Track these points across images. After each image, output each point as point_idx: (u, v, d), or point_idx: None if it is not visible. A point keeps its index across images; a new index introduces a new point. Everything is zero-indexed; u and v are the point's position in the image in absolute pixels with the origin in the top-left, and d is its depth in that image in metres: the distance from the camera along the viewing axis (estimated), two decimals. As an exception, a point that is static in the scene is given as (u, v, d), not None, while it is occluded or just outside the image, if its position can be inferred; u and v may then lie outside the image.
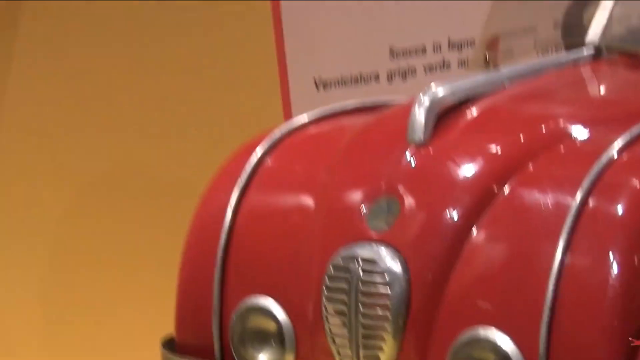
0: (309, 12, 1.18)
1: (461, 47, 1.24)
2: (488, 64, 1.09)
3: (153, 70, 1.23)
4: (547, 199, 0.80)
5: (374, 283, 0.76)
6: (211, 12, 1.19)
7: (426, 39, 1.22)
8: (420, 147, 0.82)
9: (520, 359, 0.74)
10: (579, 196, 0.75)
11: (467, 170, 0.83)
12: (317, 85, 1.17)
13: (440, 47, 1.22)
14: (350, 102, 0.99)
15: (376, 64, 1.20)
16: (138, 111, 1.25)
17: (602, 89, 1.07)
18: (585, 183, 0.76)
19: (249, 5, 1.19)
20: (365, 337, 0.77)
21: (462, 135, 0.84)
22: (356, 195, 0.83)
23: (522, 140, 0.86)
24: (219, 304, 0.86)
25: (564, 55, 1.03)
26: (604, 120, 0.88)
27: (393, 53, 1.21)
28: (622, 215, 0.76)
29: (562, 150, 0.85)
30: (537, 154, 0.84)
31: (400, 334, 0.77)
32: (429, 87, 0.84)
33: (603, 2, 1.05)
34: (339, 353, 0.78)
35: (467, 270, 0.79)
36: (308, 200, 0.88)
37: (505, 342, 0.74)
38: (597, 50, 1.02)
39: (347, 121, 0.98)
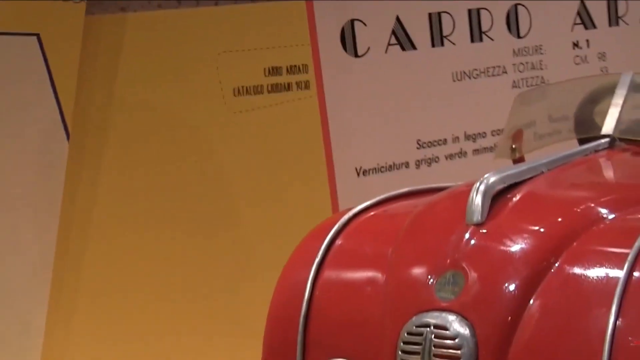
0: (350, 111, 1.26)
1: (475, 138, 1.36)
2: (514, 151, 1.18)
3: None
4: (596, 272, 0.86)
5: (446, 347, 0.83)
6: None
7: (446, 133, 1.34)
8: (478, 227, 0.89)
9: None
10: (626, 267, 0.82)
11: (522, 247, 0.90)
12: (357, 173, 1.27)
13: (458, 139, 1.34)
14: (404, 189, 1.09)
15: (406, 154, 1.30)
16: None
17: (621, 175, 1.14)
18: (631, 256, 0.83)
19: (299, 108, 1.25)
20: None
21: (513, 217, 0.91)
22: (423, 270, 0.89)
23: (566, 221, 0.93)
24: None
25: (586, 146, 1.09)
26: (629, 202, 0.97)
27: (420, 144, 1.32)
28: None
29: (601, 229, 0.93)
30: (580, 232, 0.91)
31: None
32: (485, 176, 0.92)
33: (614, 100, 1.13)
34: None
35: (527, 335, 0.84)
36: (377, 274, 0.94)
37: None
38: (612, 140, 1.10)
39: (404, 204, 1.07)
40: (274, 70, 1.20)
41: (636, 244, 0.82)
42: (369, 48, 1.24)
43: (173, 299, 1.23)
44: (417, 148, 1.32)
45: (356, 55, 1.23)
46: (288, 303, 0.97)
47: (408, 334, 0.85)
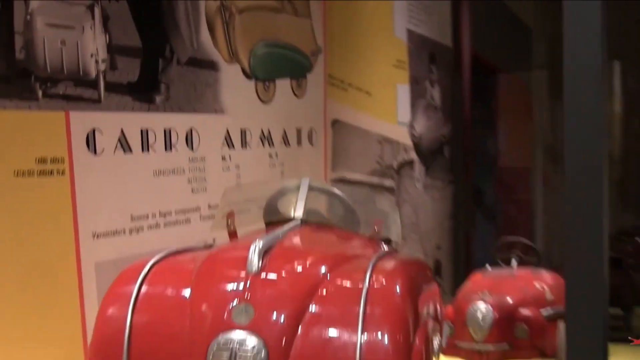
0: (90, 190, 1.46)
1: (165, 215, 1.65)
2: (229, 226, 1.38)
3: None
4: (341, 301, 1.07)
5: (246, 356, 1.00)
6: None
7: (148, 210, 1.61)
8: (256, 275, 1.07)
9: None
10: (362, 300, 1.04)
11: (289, 285, 1.09)
12: (93, 236, 1.48)
13: (155, 215, 1.63)
14: (175, 248, 1.27)
15: (123, 224, 1.55)
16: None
17: (320, 242, 1.32)
18: (363, 293, 1.05)
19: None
20: None
21: (277, 266, 1.10)
22: (220, 304, 1.05)
23: (312, 269, 1.13)
24: None
25: (292, 224, 1.28)
26: (343, 258, 1.18)
27: (132, 217, 1.58)
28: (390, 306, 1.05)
29: (358, 267, 1.14)
30: (325, 273, 1.12)
31: None
32: (256, 242, 1.11)
33: (300, 195, 1.35)
34: None
35: (300, 343, 1.02)
36: (181, 309, 1.07)
37: None
38: (302, 221, 1.32)
39: (182, 257, 1.23)
40: (42, 160, 1.36)
41: (365, 283, 1.06)
42: (103, 149, 1.49)
43: None
44: (130, 220, 1.58)
45: (95, 154, 1.47)
46: (110, 339, 1.06)
47: (217, 346, 1.00)
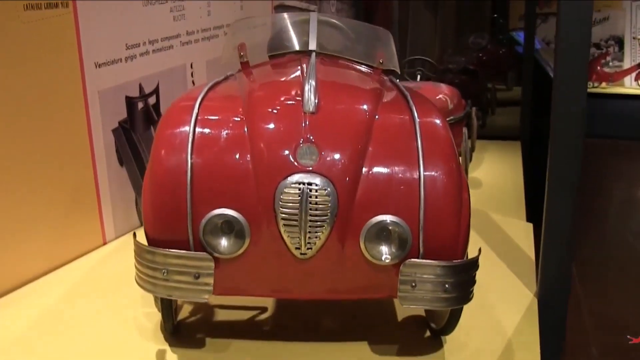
0: (95, 19, 1.51)
1: (153, 43, 1.72)
2: (242, 57, 1.32)
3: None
4: (400, 126, 1.10)
5: (318, 196, 1.00)
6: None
7: (139, 40, 1.68)
8: (313, 114, 1.07)
9: (407, 227, 1.01)
10: (418, 131, 1.08)
11: (348, 123, 1.09)
12: (95, 66, 1.54)
13: (145, 43, 1.69)
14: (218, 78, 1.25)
15: (119, 52, 1.62)
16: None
17: (346, 77, 1.34)
18: (414, 113, 1.10)
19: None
20: (311, 227, 1.00)
21: (330, 104, 1.10)
22: (283, 146, 1.04)
23: (365, 99, 1.15)
24: (191, 215, 1.02)
25: (313, 58, 1.23)
26: (378, 93, 1.21)
27: (127, 46, 1.64)
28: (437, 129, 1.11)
29: (385, 101, 1.17)
30: (376, 103, 1.14)
31: (332, 222, 1.01)
32: (307, 79, 1.10)
33: (311, 27, 1.34)
34: (289, 236, 1.01)
35: (366, 181, 1.03)
36: (241, 146, 1.04)
37: (395, 220, 1.02)
38: (317, 53, 1.29)
39: (226, 85, 1.22)
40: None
41: (415, 120, 1.10)
42: None
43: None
44: (125, 49, 1.64)
45: None
46: (172, 163, 1.03)
47: (287, 187, 1.00)
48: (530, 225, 1.82)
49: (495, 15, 3.45)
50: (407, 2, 3.43)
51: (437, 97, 2.06)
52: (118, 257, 1.59)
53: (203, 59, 1.97)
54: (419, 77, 2.45)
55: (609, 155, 2.60)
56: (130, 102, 1.69)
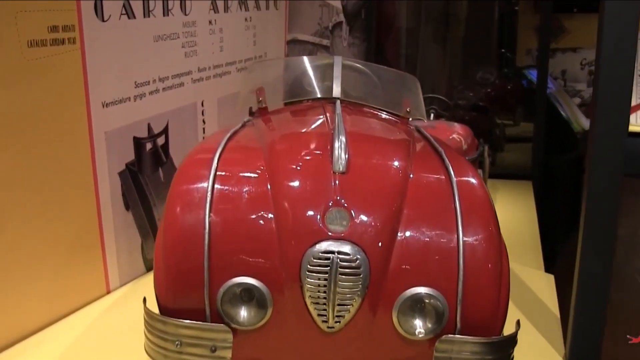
0: (101, 57, 1.44)
1: (163, 80, 1.65)
2: (260, 102, 1.30)
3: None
4: (436, 193, 1.02)
5: (349, 267, 0.93)
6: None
7: (149, 77, 1.61)
8: (343, 173, 0.99)
9: (444, 300, 0.94)
10: (454, 181, 1.02)
11: (381, 185, 1.01)
12: (102, 105, 1.47)
13: (155, 81, 1.63)
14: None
15: (128, 91, 1.54)
16: None
17: (373, 128, 1.29)
18: (453, 180, 1.03)
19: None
20: (341, 299, 0.93)
21: (361, 162, 1.03)
22: (311, 209, 0.96)
23: (398, 155, 1.08)
24: (208, 282, 0.94)
25: (338, 107, 1.16)
26: (408, 146, 1.16)
27: (136, 84, 1.57)
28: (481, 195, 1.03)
29: (417, 159, 1.09)
30: (410, 161, 1.07)
31: (364, 294, 0.93)
32: (337, 135, 1.01)
33: (335, 74, 1.28)
34: (315, 309, 0.93)
35: (401, 248, 0.96)
36: (265, 209, 0.97)
37: (431, 292, 0.94)
38: (340, 101, 1.24)
39: (244, 134, 1.15)
40: (54, 29, 1.32)
41: (452, 179, 1.03)
42: (110, 15, 1.46)
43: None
44: (134, 87, 1.57)
45: (103, 20, 1.44)
46: (188, 222, 0.96)
47: (315, 257, 0.93)
48: (552, 277, 1.75)
49: (503, 50, 3.40)
50: (416, 36, 3.39)
51: (451, 137, 2.00)
52: (123, 307, 1.52)
53: (215, 97, 1.91)
54: (432, 115, 2.39)
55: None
56: (138, 143, 1.62)
